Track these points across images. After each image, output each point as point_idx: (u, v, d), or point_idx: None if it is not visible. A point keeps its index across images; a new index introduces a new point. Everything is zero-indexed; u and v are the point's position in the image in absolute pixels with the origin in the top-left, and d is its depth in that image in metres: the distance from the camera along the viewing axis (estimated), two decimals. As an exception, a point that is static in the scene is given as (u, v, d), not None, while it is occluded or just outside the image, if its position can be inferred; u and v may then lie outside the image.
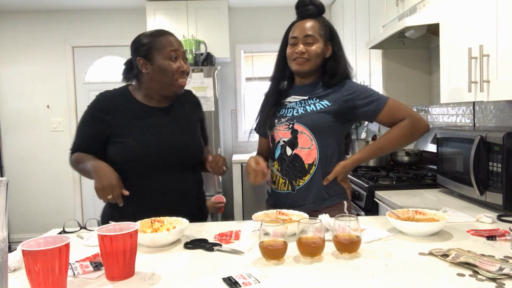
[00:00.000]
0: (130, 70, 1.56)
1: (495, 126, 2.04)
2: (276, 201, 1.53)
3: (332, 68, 1.50)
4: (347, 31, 3.68)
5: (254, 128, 1.71)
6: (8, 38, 4.36)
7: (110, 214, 1.46)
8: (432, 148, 2.50)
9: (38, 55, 4.37)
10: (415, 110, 3.05)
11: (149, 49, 1.47)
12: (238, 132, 4.53)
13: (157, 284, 0.90)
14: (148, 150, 1.45)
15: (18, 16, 4.34)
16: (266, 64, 4.57)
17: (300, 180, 1.46)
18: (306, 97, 1.51)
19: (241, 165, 3.88)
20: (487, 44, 1.50)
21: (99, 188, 1.34)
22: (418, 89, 2.78)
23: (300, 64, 1.48)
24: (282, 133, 1.50)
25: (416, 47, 2.73)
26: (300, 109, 1.49)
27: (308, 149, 1.45)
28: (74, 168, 1.53)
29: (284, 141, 1.49)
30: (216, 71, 3.55)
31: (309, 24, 1.50)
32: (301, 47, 1.47)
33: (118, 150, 1.45)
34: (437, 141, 2.02)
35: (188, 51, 3.66)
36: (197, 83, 3.53)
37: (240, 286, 0.86)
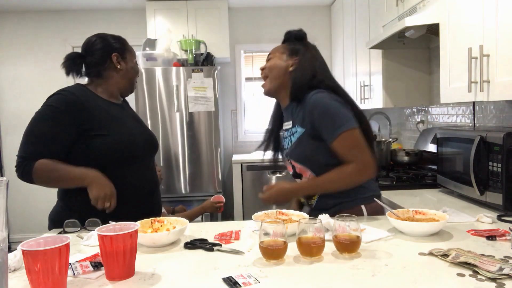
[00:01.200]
0: (77, 64, 1.57)
1: (495, 126, 2.04)
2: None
3: (293, 79, 1.48)
4: (347, 31, 3.69)
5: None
6: (8, 38, 4.36)
7: (64, 213, 1.47)
8: (432, 148, 2.50)
9: (38, 55, 4.37)
10: (415, 109, 3.05)
11: (123, 48, 1.61)
12: (238, 132, 4.52)
13: (157, 284, 0.90)
14: (131, 140, 1.53)
15: (18, 16, 4.34)
16: (266, 64, 4.57)
17: (312, 200, 1.54)
18: (291, 124, 1.51)
19: (241, 165, 3.88)
20: (487, 44, 1.50)
21: (100, 196, 1.39)
22: (418, 89, 2.78)
23: (263, 86, 1.55)
24: (289, 168, 1.59)
25: (416, 47, 2.73)
26: (289, 140, 1.53)
27: (307, 178, 1.50)
28: (41, 176, 1.42)
29: (291, 174, 1.59)
30: (216, 71, 3.55)
31: (276, 46, 1.57)
32: (262, 65, 1.56)
33: (103, 143, 1.46)
34: (437, 141, 2.02)
35: (188, 51, 3.66)
36: (197, 83, 3.53)
37: (240, 286, 0.86)
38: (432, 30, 2.10)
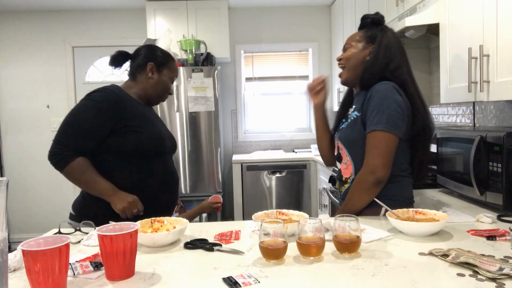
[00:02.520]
0: (121, 60, 1.71)
1: (495, 126, 2.04)
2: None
3: (364, 68, 1.47)
4: (347, 31, 3.69)
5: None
6: (8, 38, 4.36)
7: (85, 202, 1.62)
8: (432, 148, 2.50)
9: (38, 55, 4.37)
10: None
11: (163, 63, 1.71)
12: (238, 132, 4.53)
13: (157, 284, 0.90)
14: (160, 138, 1.67)
15: (18, 16, 4.34)
16: (266, 64, 4.57)
17: (342, 187, 1.57)
18: (353, 109, 1.54)
19: (241, 165, 3.88)
20: (487, 44, 1.50)
21: (126, 206, 1.52)
22: (418, 89, 2.78)
23: (339, 75, 1.57)
24: (336, 148, 1.62)
25: (416, 47, 2.73)
26: (346, 123, 1.54)
27: (345, 164, 1.52)
28: (73, 173, 1.52)
29: (335, 155, 1.62)
30: (216, 71, 3.55)
31: (351, 34, 1.57)
32: (339, 55, 1.58)
33: (138, 138, 1.58)
34: (437, 141, 2.02)
35: (188, 51, 3.66)
36: (197, 83, 3.53)
37: (240, 286, 0.86)
38: (432, 30, 2.10)
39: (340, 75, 1.57)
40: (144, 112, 1.67)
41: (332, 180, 2.86)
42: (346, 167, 1.52)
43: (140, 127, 1.60)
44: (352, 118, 1.50)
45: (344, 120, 1.59)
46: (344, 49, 1.55)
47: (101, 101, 1.55)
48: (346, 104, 1.67)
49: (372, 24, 1.52)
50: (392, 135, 1.35)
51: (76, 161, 1.51)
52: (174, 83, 3.51)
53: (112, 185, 1.55)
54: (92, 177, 1.53)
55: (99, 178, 1.54)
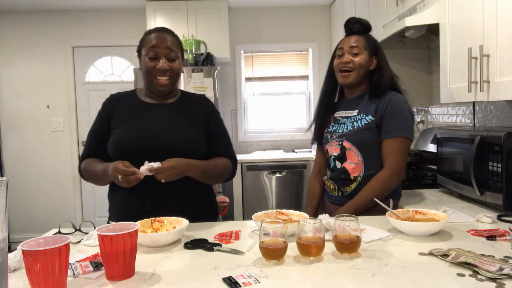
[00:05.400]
0: None
1: (495, 126, 2.04)
2: (328, 200, 1.70)
3: (376, 80, 1.58)
4: (347, 31, 3.68)
5: (312, 139, 1.81)
6: (8, 38, 4.36)
7: (114, 213, 1.54)
8: (432, 148, 2.50)
9: (38, 55, 4.37)
10: (415, 110, 3.05)
11: (140, 46, 1.55)
12: (238, 132, 4.52)
13: (157, 284, 0.90)
14: (127, 139, 1.43)
15: (18, 16, 4.34)
16: (266, 64, 4.57)
17: (348, 187, 1.60)
18: (355, 113, 1.60)
19: (241, 165, 3.88)
20: (487, 44, 1.50)
21: (120, 182, 1.31)
22: (418, 89, 2.78)
23: (344, 76, 1.59)
24: (333, 148, 1.64)
25: (416, 47, 2.73)
26: (349, 125, 1.60)
27: (355, 164, 1.57)
28: (84, 174, 1.54)
29: (334, 156, 1.64)
30: (216, 71, 3.55)
31: (355, 38, 1.59)
32: (346, 57, 1.58)
33: (112, 141, 1.48)
34: (437, 141, 2.02)
35: (188, 51, 3.66)
36: (197, 83, 3.53)
37: (240, 286, 0.86)
38: (432, 30, 2.10)
39: (346, 77, 1.58)
40: (135, 111, 1.50)
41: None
42: (355, 166, 1.57)
43: (117, 128, 1.48)
44: (364, 122, 1.55)
45: (343, 122, 1.62)
46: (352, 53, 1.57)
47: (102, 106, 1.58)
48: (329, 105, 1.71)
49: (364, 31, 1.61)
50: (411, 141, 1.54)
51: (82, 164, 1.53)
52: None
53: (103, 165, 1.40)
54: (91, 169, 1.48)
55: (97, 165, 1.46)
